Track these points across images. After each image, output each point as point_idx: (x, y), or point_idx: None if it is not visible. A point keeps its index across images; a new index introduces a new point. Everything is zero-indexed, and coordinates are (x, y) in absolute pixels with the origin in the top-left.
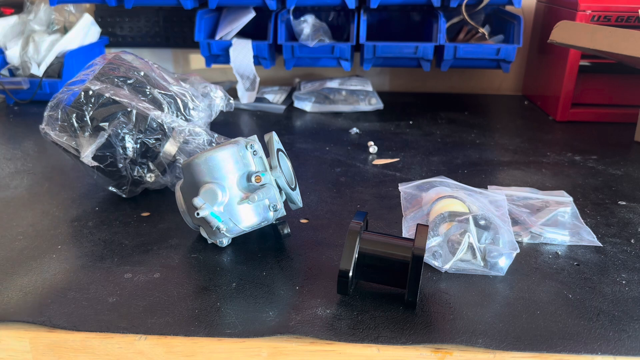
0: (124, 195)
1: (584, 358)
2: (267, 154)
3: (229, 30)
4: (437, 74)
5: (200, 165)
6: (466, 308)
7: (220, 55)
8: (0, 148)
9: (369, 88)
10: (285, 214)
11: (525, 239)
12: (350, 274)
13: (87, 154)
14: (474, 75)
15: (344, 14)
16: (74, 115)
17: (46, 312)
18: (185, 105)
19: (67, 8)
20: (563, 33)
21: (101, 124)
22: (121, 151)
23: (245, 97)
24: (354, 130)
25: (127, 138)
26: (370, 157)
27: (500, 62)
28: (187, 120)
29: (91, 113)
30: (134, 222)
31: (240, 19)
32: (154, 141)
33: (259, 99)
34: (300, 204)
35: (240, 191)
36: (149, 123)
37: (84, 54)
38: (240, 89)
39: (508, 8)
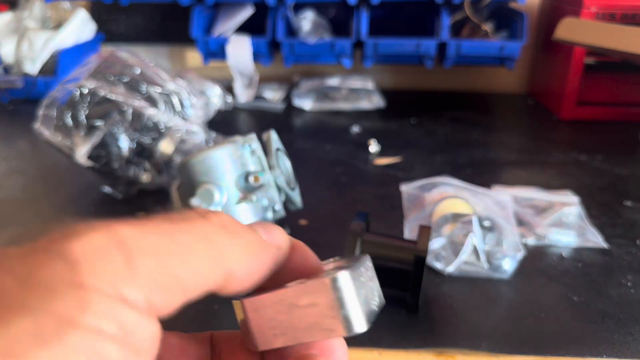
0: (119, 196)
1: None
2: (266, 153)
3: (227, 26)
4: (440, 72)
5: (196, 165)
6: (469, 311)
7: (217, 52)
8: None
9: (370, 86)
10: (284, 214)
11: (530, 241)
12: None
13: (81, 154)
14: (478, 72)
15: (344, 10)
16: (69, 114)
17: None
18: (182, 104)
19: (62, 6)
20: (568, 30)
21: (96, 123)
22: (116, 150)
23: (244, 95)
24: (355, 129)
25: (123, 137)
26: (372, 156)
27: (504, 60)
28: (183, 118)
29: (86, 112)
30: None
31: (239, 15)
32: (150, 140)
33: (257, 97)
34: (299, 204)
35: (238, 191)
36: (144, 122)
37: (79, 52)
38: (238, 86)
39: (512, 5)
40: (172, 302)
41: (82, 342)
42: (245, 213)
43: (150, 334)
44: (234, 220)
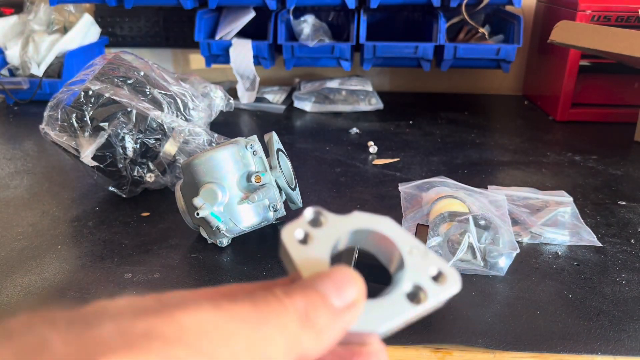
0: (123, 195)
1: (583, 358)
2: (267, 154)
3: (229, 30)
4: (437, 74)
5: (200, 165)
6: (466, 308)
7: (220, 55)
8: (0, 148)
9: (369, 88)
10: (285, 214)
11: (525, 239)
12: None
13: (87, 154)
14: (474, 75)
15: (344, 14)
16: (74, 115)
17: None
18: (185, 105)
19: (67, 8)
20: (563, 33)
21: (101, 124)
22: (121, 151)
23: (245, 97)
24: (354, 130)
25: (127, 138)
26: (370, 157)
27: (500, 62)
28: (187, 120)
29: (91, 113)
30: (134, 222)
31: (240, 18)
32: (154, 141)
33: (258, 99)
34: (300, 204)
35: (240, 191)
36: (148, 123)
37: (84, 54)
38: (240, 88)
39: (508, 8)
40: None
41: None
42: (247, 212)
43: None
44: (306, 303)
